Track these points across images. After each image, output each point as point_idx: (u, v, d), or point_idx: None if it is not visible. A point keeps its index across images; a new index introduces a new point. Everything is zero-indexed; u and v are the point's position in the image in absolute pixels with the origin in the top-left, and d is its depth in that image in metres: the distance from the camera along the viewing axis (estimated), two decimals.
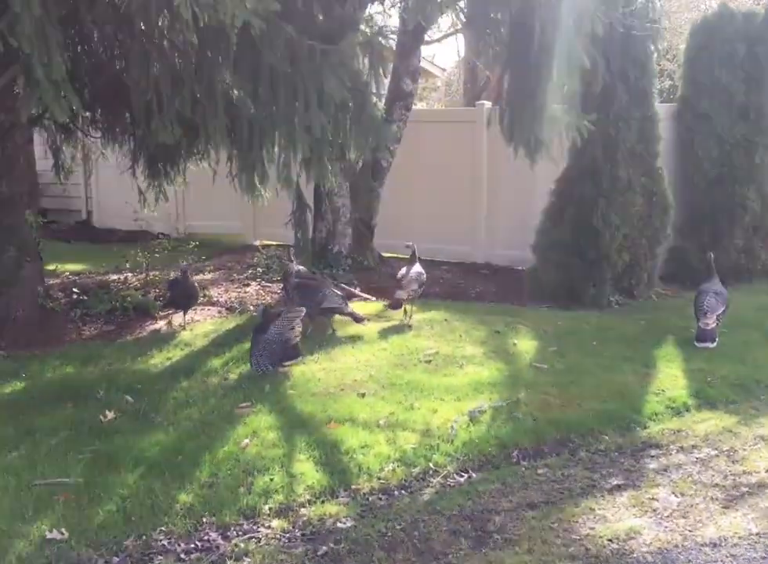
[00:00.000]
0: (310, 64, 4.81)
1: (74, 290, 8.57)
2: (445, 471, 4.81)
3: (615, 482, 4.64)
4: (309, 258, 9.66)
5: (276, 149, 5.15)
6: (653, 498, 4.42)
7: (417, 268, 7.88)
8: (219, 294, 9.06)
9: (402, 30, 9.63)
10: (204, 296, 8.82)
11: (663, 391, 6.04)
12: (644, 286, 8.74)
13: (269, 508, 4.31)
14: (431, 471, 4.81)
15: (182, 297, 7.75)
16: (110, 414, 5.37)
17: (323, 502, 4.41)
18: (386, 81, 10.01)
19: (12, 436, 5.03)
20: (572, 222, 8.51)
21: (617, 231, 8.37)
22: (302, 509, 4.34)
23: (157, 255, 9.60)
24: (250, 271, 10.04)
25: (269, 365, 6.06)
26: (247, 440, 4.99)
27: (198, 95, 4.99)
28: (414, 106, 10.77)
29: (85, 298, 8.34)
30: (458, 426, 5.29)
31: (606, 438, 5.31)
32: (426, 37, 16.52)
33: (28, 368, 6.39)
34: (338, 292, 7.48)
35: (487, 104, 10.99)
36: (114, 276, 9.68)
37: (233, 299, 8.80)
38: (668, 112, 9.81)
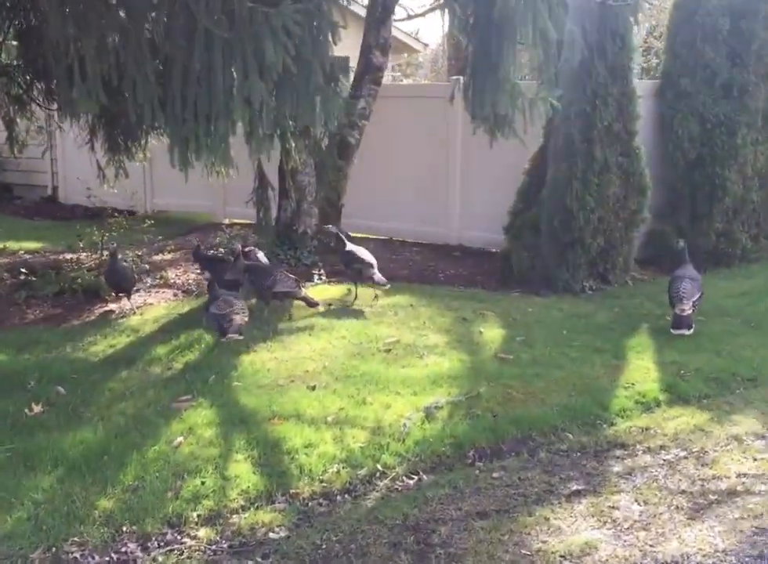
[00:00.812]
0: (250, 28, 4.38)
1: (22, 270, 8.17)
2: (393, 474, 4.46)
3: (575, 488, 4.30)
4: (272, 238, 9.27)
5: (213, 121, 4.73)
6: (613, 506, 4.08)
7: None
8: (176, 275, 8.67)
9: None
10: (161, 277, 8.45)
11: (633, 385, 5.68)
12: (620, 270, 8.36)
13: (198, 516, 3.96)
14: (378, 474, 4.46)
15: (111, 281, 7.36)
16: (36, 408, 5.00)
17: (257, 508, 4.06)
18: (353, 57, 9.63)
19: None
20: (545, 204, 8.12)
21: (592, 213, 7.98)
22: (234, 516, 3.99)
23: (114, 234, 9.18)
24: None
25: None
26: (180, 438, 4.63)
27: (125, 61, 4.57)
28: (392, 82, 10.36)
29: (33, 279, 7.94)
30: (412, 423, 4.94)
31: (570, 436, 4.96)
32: (409, 12, 16.11)
33: None
34: (291, 275, 7.09)
35: (463, 79, 10.56)
36: (69, 256, 9.25)
37: (190, 281, 8.42)
38: (649, 89, 9.41)
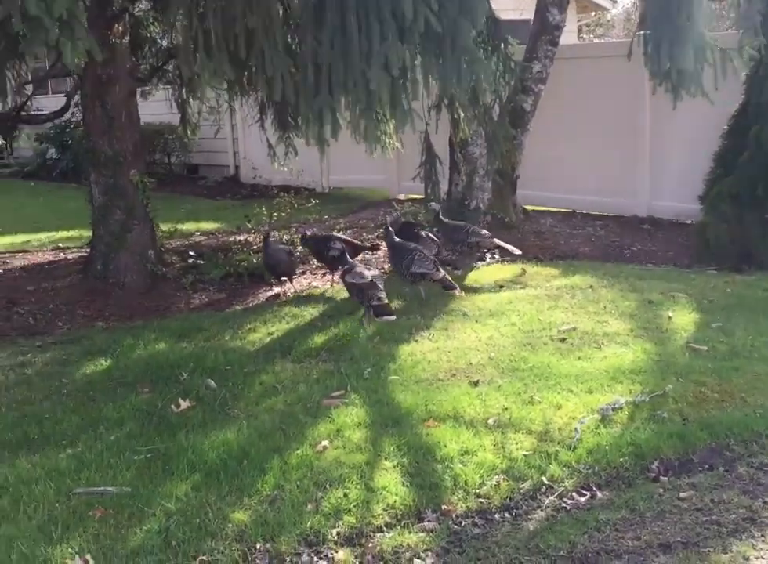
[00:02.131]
0: None
1: (191, 253, 8.14)
2: (561, 489, 3.88)
3: None
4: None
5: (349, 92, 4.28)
6: None
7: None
8: None
9: None
10: None
11: None
12: None
13: (337, 534, 3.55)
14: (543, 488, 3.89)
15: (267, 265, 7.08)
16: (183, 404, 4.78)
17: (403, 527, 3.60)
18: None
19: (72, 430, 4.53)
20: (746, 168, 7.15)
21: None
22: (377, 536, 3.55)
23: (283, 214, 9.02)
24: (381, 230, 9.25)
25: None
26: (326, 442, 4.24)
27: (253, 30, 4.18)
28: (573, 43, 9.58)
29: (201, 262, 7.87)
30: (585, 428, 4.33)
31: None
32: None
33: (121, 343, 5.92)
34: (431, 256, 6.56)
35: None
36: (240, 237, 9.17)
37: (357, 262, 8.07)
38: None
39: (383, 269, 7.55)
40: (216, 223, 10.70)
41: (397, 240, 6.76)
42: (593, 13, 23.32)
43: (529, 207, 9.98)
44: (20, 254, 9.33)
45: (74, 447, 4.31)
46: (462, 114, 7.63)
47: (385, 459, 4.10)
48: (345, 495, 3.78)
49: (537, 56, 8.63)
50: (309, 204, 8.93)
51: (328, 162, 13.59)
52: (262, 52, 4.20)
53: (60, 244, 9.76)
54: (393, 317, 5.90)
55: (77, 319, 6.68)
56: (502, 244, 7.17)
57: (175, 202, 13.13)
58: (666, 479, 3.95)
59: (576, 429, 4.30)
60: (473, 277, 7.33)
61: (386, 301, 5.98)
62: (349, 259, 6.36)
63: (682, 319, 5.94)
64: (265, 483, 3.88)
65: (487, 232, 7.37)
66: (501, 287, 6.96)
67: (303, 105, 4.49)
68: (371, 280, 5.95)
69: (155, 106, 11.75)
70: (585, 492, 3.87)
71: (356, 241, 7.95)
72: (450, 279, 6.61)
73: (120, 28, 6.54)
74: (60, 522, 3.58)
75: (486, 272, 7.50)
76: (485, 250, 7.54)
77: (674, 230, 8.87)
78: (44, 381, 5.31)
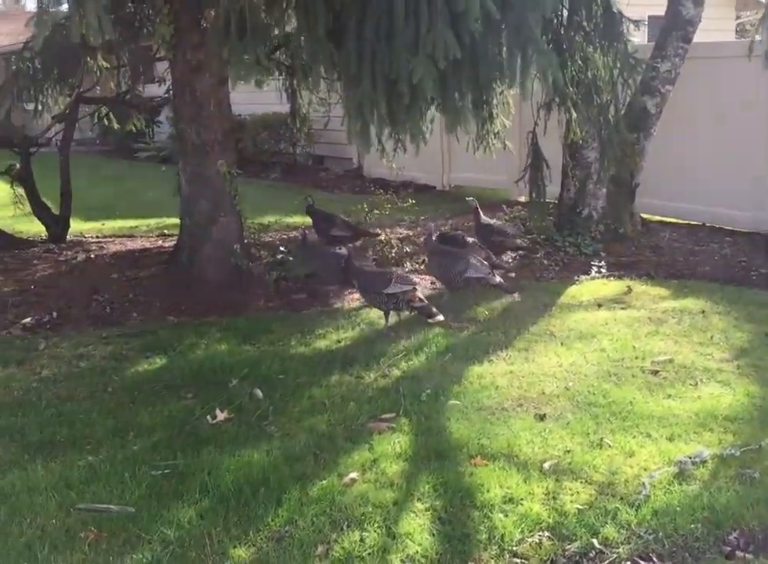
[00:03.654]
0: None
1: (281, 249, 7.86)
2: (614, 555, 3.31)
3: None
4: (550, 222, 8.19)
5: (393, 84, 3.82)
6: None
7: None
8: None
9: None
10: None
11: None
12: None
13: None
14: (593, 553, 3.33)
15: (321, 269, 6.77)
16: (221, 415, 4.46)
17: None
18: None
19: (100, 434, 4.29)
20: None
21: None
22: None
23: (386, 212, 8.61)
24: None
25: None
26: (355, 474, 3.82)
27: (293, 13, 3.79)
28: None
29: (291, 258, 7.58)
30: (656, 482, 3.73)
31: None
32: None
33: (183, 341, 5.69)
34: (484, 261, 6.31)
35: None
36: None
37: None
38: None
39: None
40: None
41: (443, 246, 6.60)
42: (755, 11, 21.79)
43: (654, 218, 9.22)
44: (120, 239, 9.34)
45: (95, 454, 4.06)
46: (574, 115, 7.02)
47: (418, 500, 3.64)
48: (362, 539, 3.36)
49: (666, 53, 7.88)
50: (406, 204, 8.47)
51: (449, 159, 13.14)
52: (300, 37, 3.83)
53: (166, 231, 9.72)
54: (442, 317, 5.67)
55: (153, 311, 6.51)
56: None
57: (292, 193, 12.97)
58: (743, 555, 3.32)
59: (644, 484, 3.71)
60: (572, 293, 6.72)
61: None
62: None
63: None
64: (277, 517, 3.50)
65: (517, 230, 7.35)
66: (600, 305, 6.33)
67: (344, 98, 4.08)
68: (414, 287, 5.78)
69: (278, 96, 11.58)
70: (641, 562, 3.29)
71: (360, 227, 8.05)
72: (506, 284, 6.40)
73: (212, 12, 6.29)
74: (49, 542, 3.32)
75: (587, 287, 6.88)
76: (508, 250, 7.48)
77: None
78: (94, 377, 5.13)
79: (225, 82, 6.78)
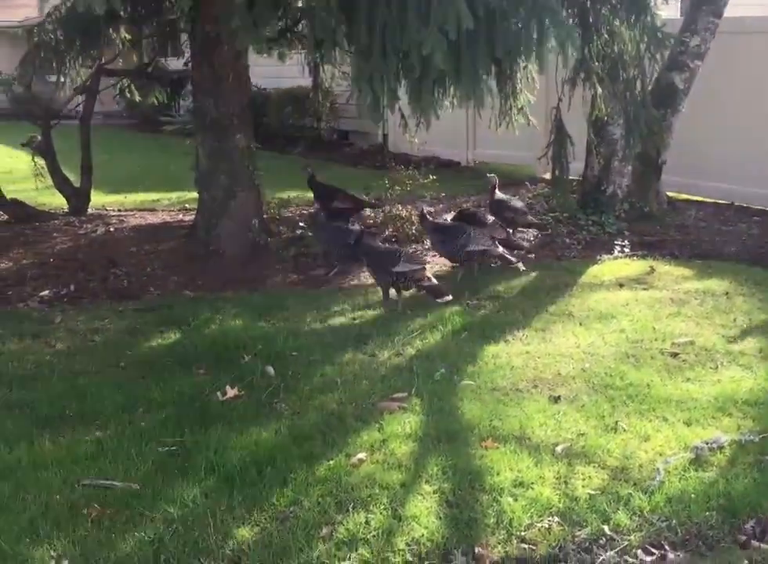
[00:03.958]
0: None
1: (301, 224, 7.81)
2: (625, 543, 3.23)
3: None
4: (573, 200, 8.06)
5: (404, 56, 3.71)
6: None
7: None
8: None
9: None
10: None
11: None
12: None
13: None
14: (603, 540, 3.25)
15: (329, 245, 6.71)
16: (231, 392, 4.41)
17: None
18: None
19: (110, 410, 4.26)
20: None
21: None
22: None
23: (408, 188, 8.51)
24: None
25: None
26: (363, 455, 3.76)
27: None
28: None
29: (309, 234, 7.52)
30: (671, 468, 3.65)
31: None
32: None
33: (198, 316, 5.66)
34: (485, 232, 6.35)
35: None
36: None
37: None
38: None
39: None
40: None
41: (446, 222, 6.70)
42: None
43: (682, 196, 9.05)
44: (141, 212, 9.33)
45: (104, 430, 4.04)
46: (599, 90, 6.87)
47: (426, 482, 3.58)
48: (367, 521, 3.30)
49: (695, 28, 7.69)
50: (426, 180, 8.37)
51: (474, 135, 12.99)
52: (311, 7, 3.73)
53: (187, 205, 9.68)
54: (450, 297, 5.61)
55: (169, 285, 6.48)
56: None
57: (316, 169, 12.90)
58: (759, 545, 3.23)
59: (658, 469, 3.62)
60: (593, 272, 6.61)
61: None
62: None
63: None
64: (282, 497, 3.45)
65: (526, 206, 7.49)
66: (622, 285, 6.21)
67: (354, 70, 3.98)
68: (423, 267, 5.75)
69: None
70: (653, 550, 3.21)
71: (359, 197, 8.08)
72: (508, 255, 6.33)
73: None
74: (53, 518, 3.30)
75: (609, 266, 6.76)
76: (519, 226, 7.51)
77: None
78: (107, 351, 5.11)
79: (243, 55, 6.70)
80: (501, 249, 6.22)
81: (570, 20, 6.96)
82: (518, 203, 7.51)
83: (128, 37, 8.51)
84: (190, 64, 7.09)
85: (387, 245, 6.12)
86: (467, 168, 12.93)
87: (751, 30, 8.55)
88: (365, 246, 5.96)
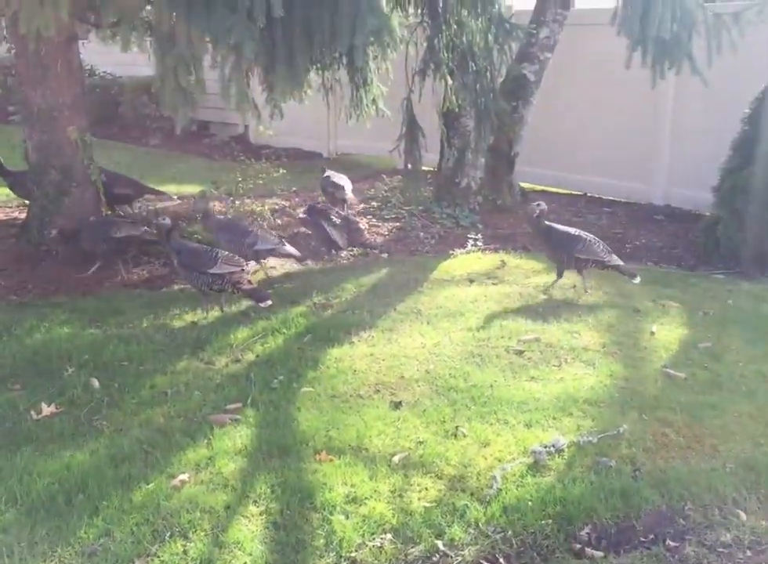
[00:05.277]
0: None
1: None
2: (458, 558, 3.10)
3: None
4: (428, 193, 7.96)
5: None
6: None
7: None
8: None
9: None
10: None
11: None
12: None
13: None
14: (437, 557, 3.11)
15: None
16: (47, 409, 4.06)
17: None
18: None
19: None
20: (762, 160, 6.21)
21: None
22: None
23: (261, 181, 8.23)
24: (362, 205, 8.45)
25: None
26: (185, 476, 3.50)
27: None
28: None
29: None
30: (508, 475, 3.54)
31: (742, 516, 3.34)
32: None
33: (23, 324, 5.22)
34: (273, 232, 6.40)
35: None
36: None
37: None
38: None
39: None
40: (199, 186, 9.92)
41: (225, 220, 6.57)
42: None
43: (537, 187, 9.10)
44: None
45: None
46: (450, 82, 6.77)
47: (253, 503, 3.35)
48: (185, 551, 3.05)
49: (545, 19, 7.69)
50: (277, 174, 8.11)
51: (335, 126, 12.75)
52: None
53: (26, 202, 9.05)
54: (271, 302, 5.33)
55: None
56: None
57: (171, 161, 12.46)
58: (593, 552, 3.15)
59: (495, 477, 3.51)
60: (445, 267, 6.51)
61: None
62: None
63: (667, 336, 5.08)
64: (92, 527, 3.16)
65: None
66: (472, 281, 6.13)
67: (157, 59, 3.68)
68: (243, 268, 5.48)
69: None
70: None
71: (143, 184, 7.98)
72: (296, 251, 6.28)
73: None
74: None
75: (461, 261, 6.68)
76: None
77: (689, 223, 7.90)
78: None
79: (74, 41, 6.25)
80: (289, 248, 6.12)
81: (419, 10, 6.87)
82: (341, 180, 7.58)
83: None
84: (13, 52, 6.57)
85: (202, 245, 5.70)
86: (328, 160, 12.69)
87: (591, 21, 8.65)
88: (177, 244, 5.60)
